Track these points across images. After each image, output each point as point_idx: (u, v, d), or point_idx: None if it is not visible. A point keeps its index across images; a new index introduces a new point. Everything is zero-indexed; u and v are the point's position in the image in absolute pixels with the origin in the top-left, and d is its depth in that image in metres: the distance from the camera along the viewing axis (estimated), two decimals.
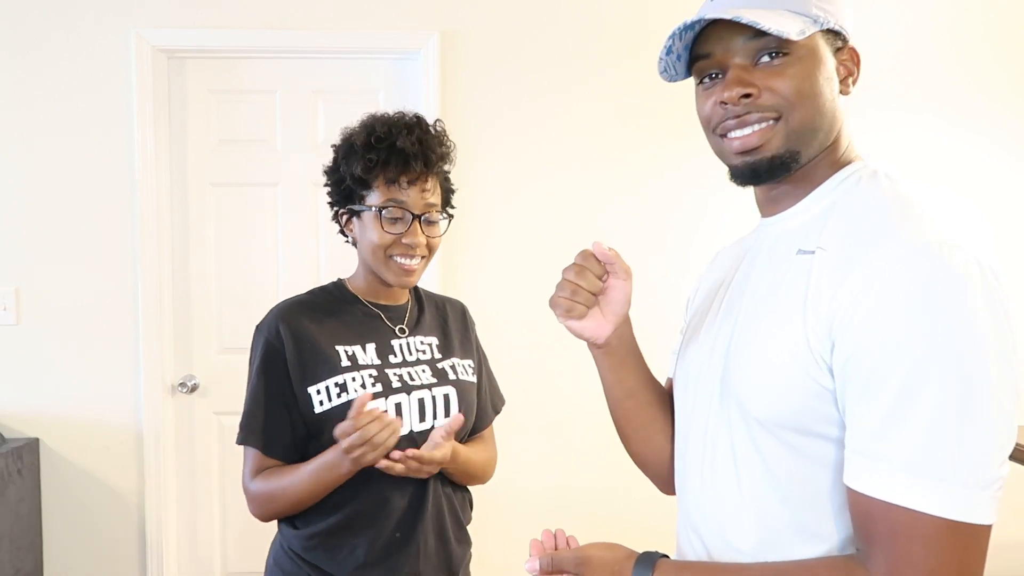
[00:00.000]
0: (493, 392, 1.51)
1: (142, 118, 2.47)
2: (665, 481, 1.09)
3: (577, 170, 2.60)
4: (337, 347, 1.30)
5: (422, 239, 1.31)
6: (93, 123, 2.48)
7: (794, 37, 0.81)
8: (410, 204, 1.29)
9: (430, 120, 1.37)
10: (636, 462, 1.12)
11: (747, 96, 0.84)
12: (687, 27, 0.87)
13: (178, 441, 2.61)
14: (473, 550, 1.44)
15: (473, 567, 1.45)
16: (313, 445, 1.29)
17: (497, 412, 1.52)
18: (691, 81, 0.94)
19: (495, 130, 2.57)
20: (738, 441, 0.87)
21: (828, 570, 0.78)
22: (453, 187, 1.42)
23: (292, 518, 1.32)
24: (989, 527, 0.71)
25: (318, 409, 1.27)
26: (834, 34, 0.87)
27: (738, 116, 0.86)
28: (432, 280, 2.53)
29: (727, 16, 0.82)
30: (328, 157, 1.41)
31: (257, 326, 1.34)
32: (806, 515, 0.83)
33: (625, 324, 1.02)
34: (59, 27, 2.46)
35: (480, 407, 1.43)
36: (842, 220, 0.83)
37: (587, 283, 0.96)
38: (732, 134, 0.87)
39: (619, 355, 1.03)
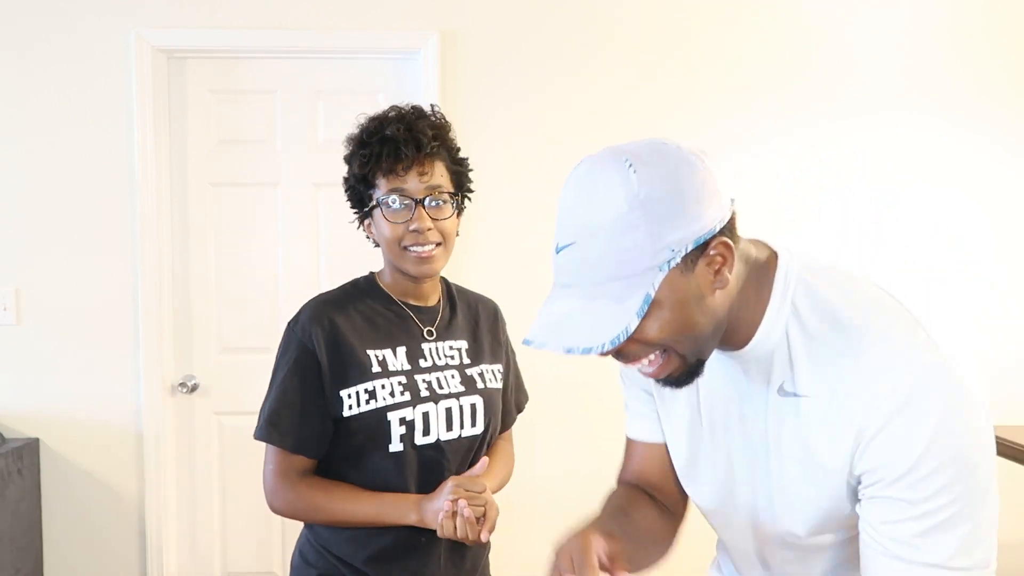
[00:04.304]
0: (518, 389, 1.52)
1: (142, 118, 2.47)
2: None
3: None
4: (368, 351, 1.31)
5: (428, 223, 1.28)
6: (93, 123, 2.48)
7: (621, 339, 0.77)
8: (410, 190, 1.28)
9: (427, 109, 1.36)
10: None
11: (621, 354, 0.84)
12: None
13: (178, 441, 2.61)
14: (501, 553, 1.47)
15: (500, 570, 1.47)
16: (339, 444, 1.31)
17: (520, 410, 1.53)
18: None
19: (495, 129, 2.57)
20: (784, 546, 0.96)
21: None
22: (466, 168, 1.38)
23: None
24: None
25: (346, 412, 1.29)
26: (700, 246, 0.80)
27: (627, 361, 0.85)
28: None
29: (542, 343, 0.80)
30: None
31: (289, 323, 1.34)
32: None
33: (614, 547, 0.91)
34: (59, 27, 2.46)
35: (504, 410, 1.45)
36: (809, 359, 0.85)
37: None
38: (636, 367, 0.86)
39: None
